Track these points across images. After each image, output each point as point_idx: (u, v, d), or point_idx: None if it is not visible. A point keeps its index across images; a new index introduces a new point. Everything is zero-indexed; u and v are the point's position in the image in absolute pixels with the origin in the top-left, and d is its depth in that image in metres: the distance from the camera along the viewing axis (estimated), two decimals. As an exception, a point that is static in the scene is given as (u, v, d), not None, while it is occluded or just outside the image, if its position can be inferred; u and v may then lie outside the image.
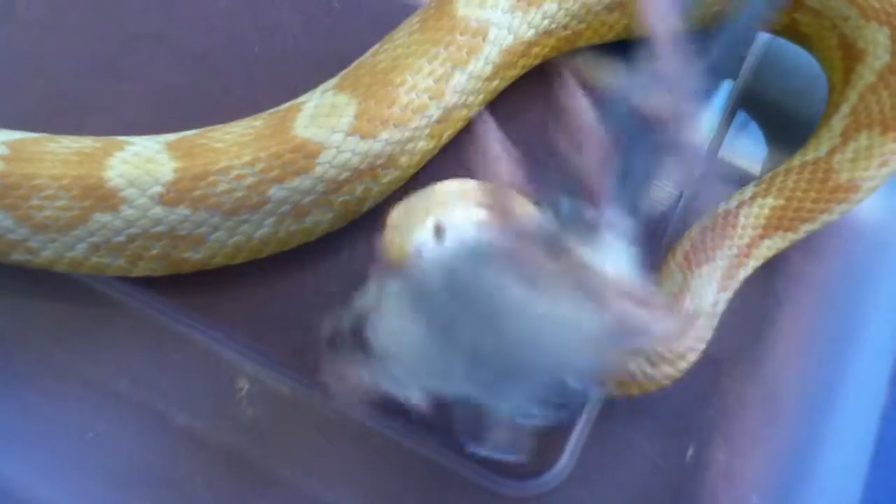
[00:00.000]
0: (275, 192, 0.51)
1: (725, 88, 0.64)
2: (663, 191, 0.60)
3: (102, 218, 0.50)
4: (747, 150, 0.64)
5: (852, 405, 0.56)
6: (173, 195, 0.50)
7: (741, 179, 0.62)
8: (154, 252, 0.52)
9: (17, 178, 0.49)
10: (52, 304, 0.57)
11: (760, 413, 0.56)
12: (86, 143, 0.52)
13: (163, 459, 0.54)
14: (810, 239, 0.58)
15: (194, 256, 0.53)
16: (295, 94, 0.56)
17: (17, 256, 0.52)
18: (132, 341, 0.56)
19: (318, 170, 0.52)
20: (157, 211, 0.50)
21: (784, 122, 0.65)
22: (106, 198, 0.50)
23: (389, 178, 0.55)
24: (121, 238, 0.51)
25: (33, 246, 0.51)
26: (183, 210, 0.51)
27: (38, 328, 0.57)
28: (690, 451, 0.55)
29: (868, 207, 0.60)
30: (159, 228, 0.51)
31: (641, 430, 0.55)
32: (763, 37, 0.66)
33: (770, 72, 0.65)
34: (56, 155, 0.50)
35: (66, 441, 0.54)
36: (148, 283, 0.55)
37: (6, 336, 0.56)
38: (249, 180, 0.51)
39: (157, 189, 0.50)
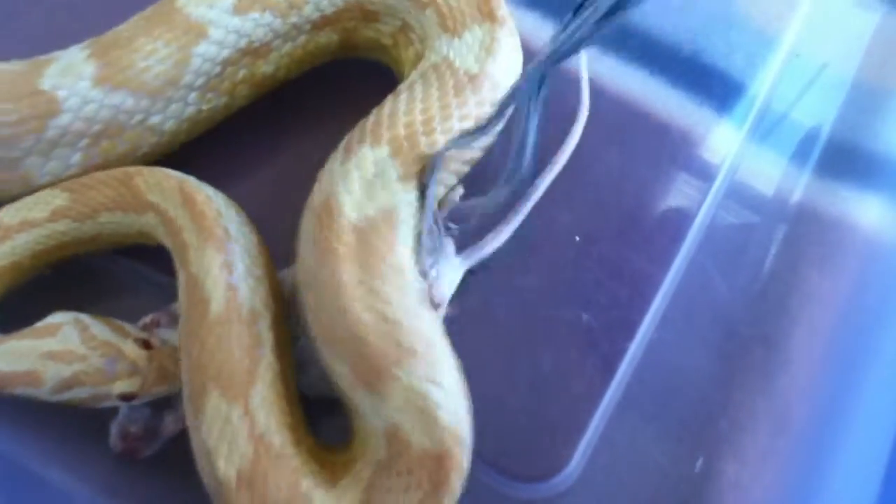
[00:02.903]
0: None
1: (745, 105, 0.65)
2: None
3: None
4: (763, 171, 0.64)
5: (865, 422, 0.56)
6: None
7: (755, 199, 0.63)
8: None
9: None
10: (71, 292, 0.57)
11: (771, 427, 0.56)
12: None
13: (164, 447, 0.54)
14: (826, 257, 0.58)
15: None
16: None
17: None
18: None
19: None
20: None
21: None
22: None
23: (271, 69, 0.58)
24: None
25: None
26: None
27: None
28: (700, 462, 0.55)
29: (884, 227, 0.60)
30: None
31: (651, 438, 0.55)
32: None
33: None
34: None
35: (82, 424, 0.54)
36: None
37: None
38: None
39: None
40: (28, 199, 0.54)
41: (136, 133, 0.55)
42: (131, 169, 0.54)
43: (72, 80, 0.53)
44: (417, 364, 0.45)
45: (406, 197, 0.49)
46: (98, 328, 0.50)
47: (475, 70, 0.52)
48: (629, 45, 0.65)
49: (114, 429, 0.51)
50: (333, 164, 0.50)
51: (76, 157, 0.54)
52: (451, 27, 0.54)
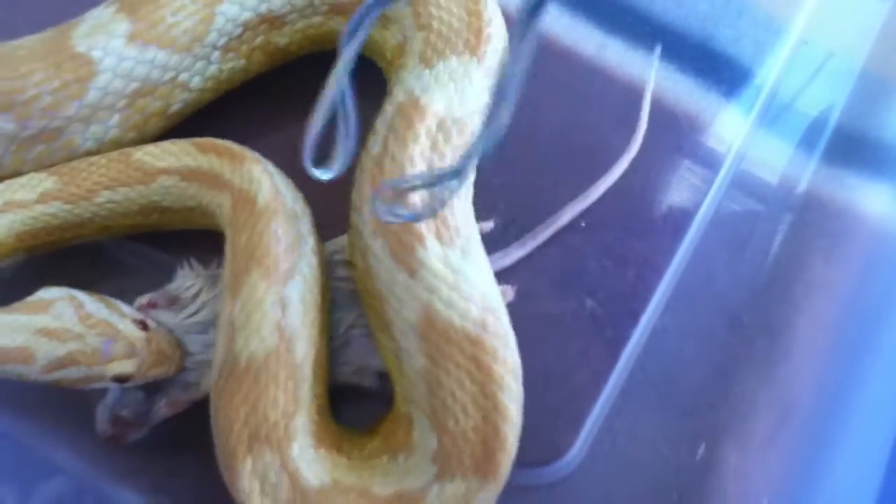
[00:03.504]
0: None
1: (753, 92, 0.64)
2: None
3: None
4: (769, 159, 0.64)
5: (867, 412, 0.56)
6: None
7: (761, 187, 0.63)
8: None
9: None
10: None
11: (773, 416, 0.56)
12: None
13: (173, 425, 0.54)
14: (832, 246, 0.58)
15: None
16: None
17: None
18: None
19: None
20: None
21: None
22: None
23: (285, 41, 0.58)
24: None
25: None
26: None
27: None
28: (701, 450, 0.55)
29: (891, 216, 0.60)
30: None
31: (653, 426, 0.55)
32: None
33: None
34: None
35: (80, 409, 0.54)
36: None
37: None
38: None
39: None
40: (13, 181, 0.52)
41: (167, 90, 0.55)
42: (127, 149, 0.53)
43: (105, 38, 0.52)
44: (489, 487, 0.46)
45: (468, 265, 0.48)
46: (93, 306, 0.48)
47: (441, 112, 0.50)
48: (638, 31, 0.65)
49: (102, 413, 0.50)
50: (393, 272, 0.47)
51: (115, 119, 0.54)
52: (428, 57, 0.52)
